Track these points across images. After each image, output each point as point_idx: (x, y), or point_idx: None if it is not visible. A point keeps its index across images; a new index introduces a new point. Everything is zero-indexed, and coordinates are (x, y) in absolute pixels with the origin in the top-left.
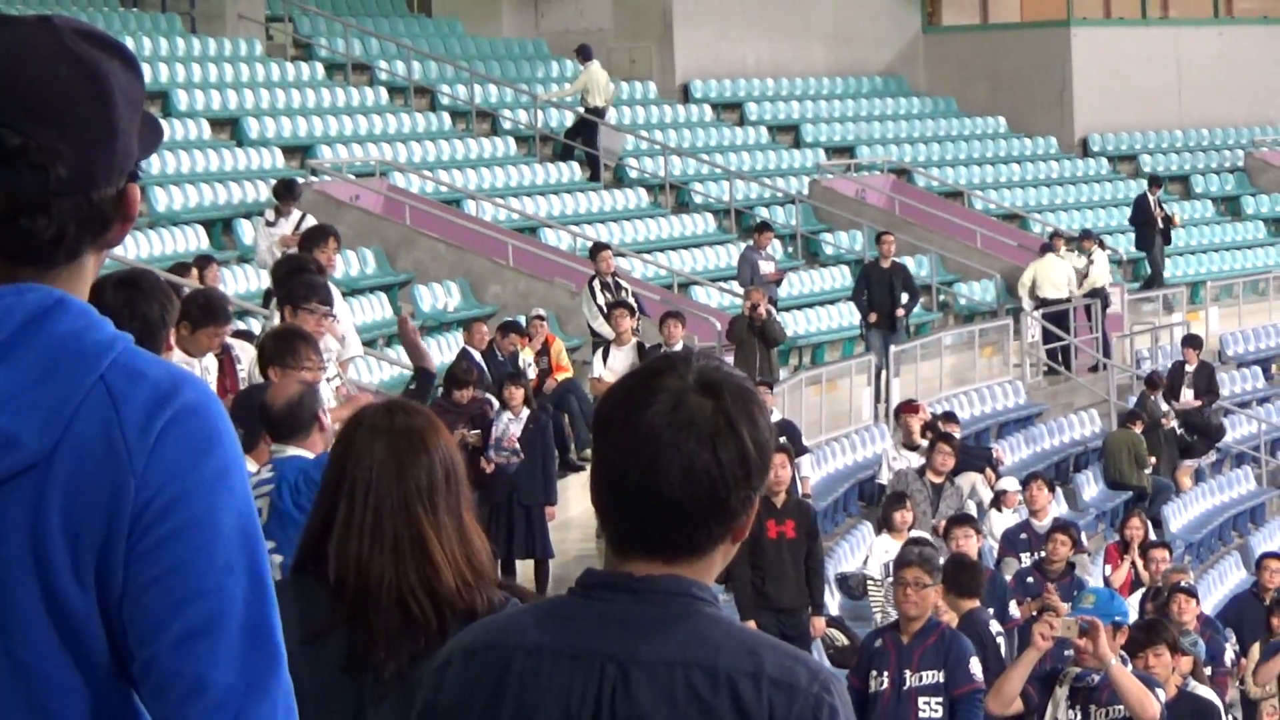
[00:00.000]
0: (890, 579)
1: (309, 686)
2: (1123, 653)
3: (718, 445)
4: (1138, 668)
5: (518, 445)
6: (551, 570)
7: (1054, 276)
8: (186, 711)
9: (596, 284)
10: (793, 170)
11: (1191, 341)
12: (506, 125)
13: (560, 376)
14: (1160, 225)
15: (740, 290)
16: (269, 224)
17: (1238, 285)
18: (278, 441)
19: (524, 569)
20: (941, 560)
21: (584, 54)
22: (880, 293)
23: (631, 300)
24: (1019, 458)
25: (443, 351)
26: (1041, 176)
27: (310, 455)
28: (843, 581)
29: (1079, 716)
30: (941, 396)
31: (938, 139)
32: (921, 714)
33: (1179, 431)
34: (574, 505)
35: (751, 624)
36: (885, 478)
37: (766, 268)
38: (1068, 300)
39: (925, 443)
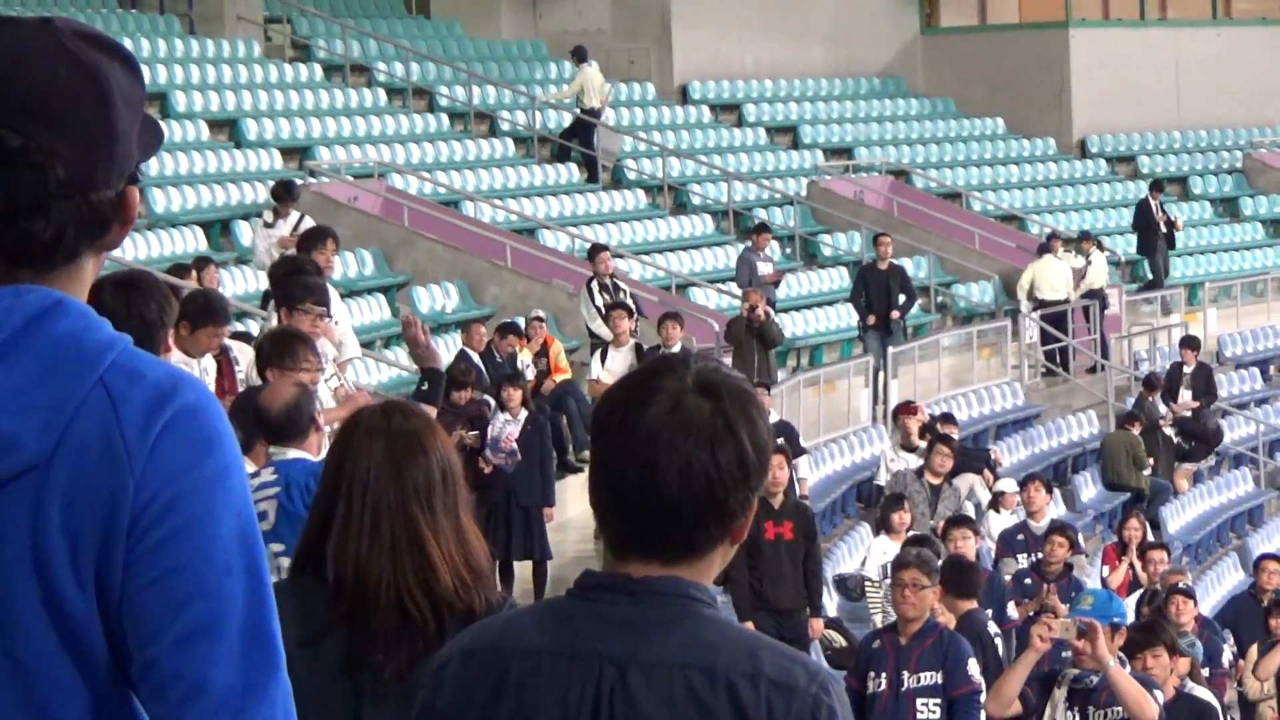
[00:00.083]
0: (888, 580)
1: (308, 687)
2: (1121, 654)
3: (716, 447)
4: (1136, 669)
5: (514, 446)
6: (550, 571)
7: (1052, 278)
8: (186, 712)
9: (595, 285)
10: (791, 171)
11: (1189, 343)
12: (505, 126)
13: (558, 378)
14: (1163, 230)
15: (738, 291)
16: (267, 225)
17: (1236, 286)
18: (276, 444)
19: (522, 570)
20: (939, 561)
21: (579, 55)
22: (878, 294)
23: (630, 302)
24: (1017, 459)
25: (441, 353)
26: (1040, 178)
27: (312, 457)
28: (841, 583)
29: (1077, 718)
30: (940, 398)
31: (936, 140)
32: (919, 715)
33: (1176, 440)
34: (572, 506)
35: (749, 625)
36: (883, 479)
37: (765, 269)
38: (1066, 302)
39: (923, 444)
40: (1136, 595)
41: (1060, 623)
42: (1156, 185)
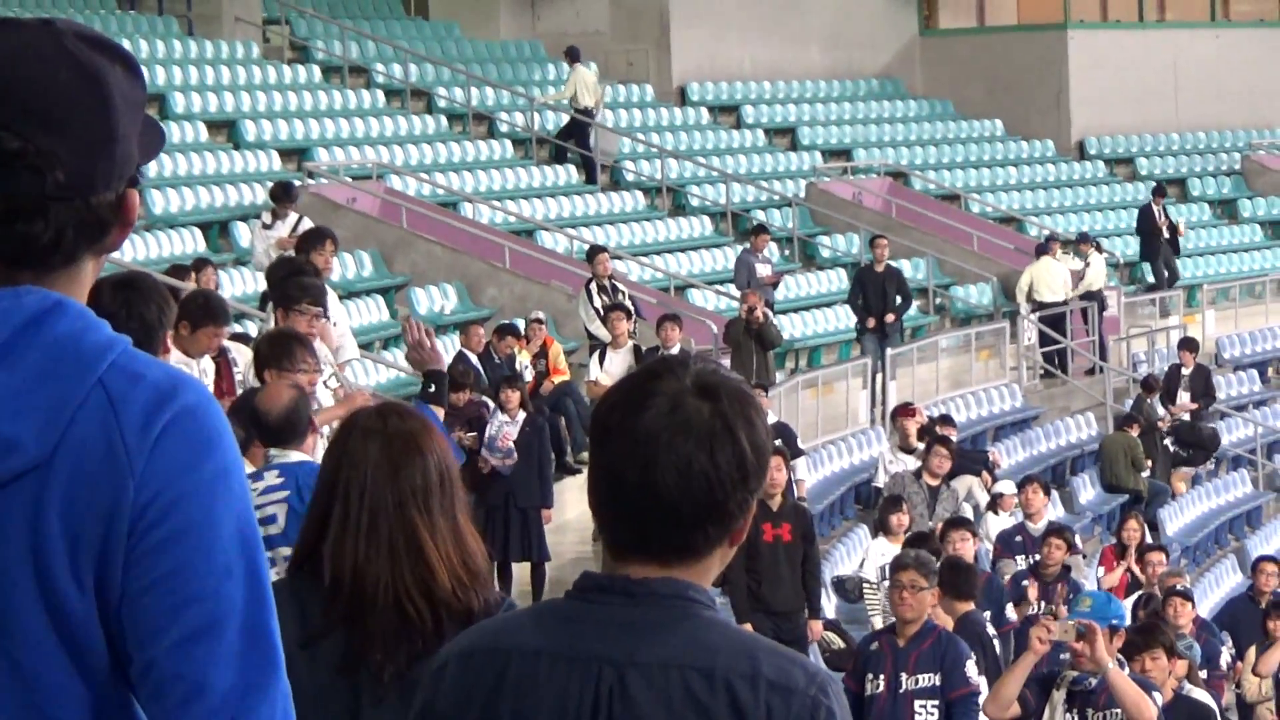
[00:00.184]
0: (886, 582)
1: (307, 688)
2: (1119, 656)
3: (715, 448)
4: (1134, 671)
5: (511, 445)
6: (548, 573)
7: (1050, 280)
8: (185, 714)
9: (593, 287)
10: (789, 173)
11: (1188, 344)
12: (503, 128)
13: (557, 379)
14: (1166, 235)
15: (737, 293)
16: (266, 226)
17: (1234, 288)
18: (275, 446)
19: (520, 571)
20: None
21: (572, 55)
22: (874, 296)
23: (628, 303)
24: (1015, 461)
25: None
26: (1038, 179)
27: (312, 458)
28: (839, 584)
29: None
30: (938, 399)
31: (934, 142)
32: (918, 717)
33: (1172, 449)
34: (570, 508)
35: (747, 627)
36: (881, 481)
37: (763, 271)
38: (1064, 303)
39: (922, 446)
40: (1133, 598)
41: (1059, 625)
42: (1159, 190)
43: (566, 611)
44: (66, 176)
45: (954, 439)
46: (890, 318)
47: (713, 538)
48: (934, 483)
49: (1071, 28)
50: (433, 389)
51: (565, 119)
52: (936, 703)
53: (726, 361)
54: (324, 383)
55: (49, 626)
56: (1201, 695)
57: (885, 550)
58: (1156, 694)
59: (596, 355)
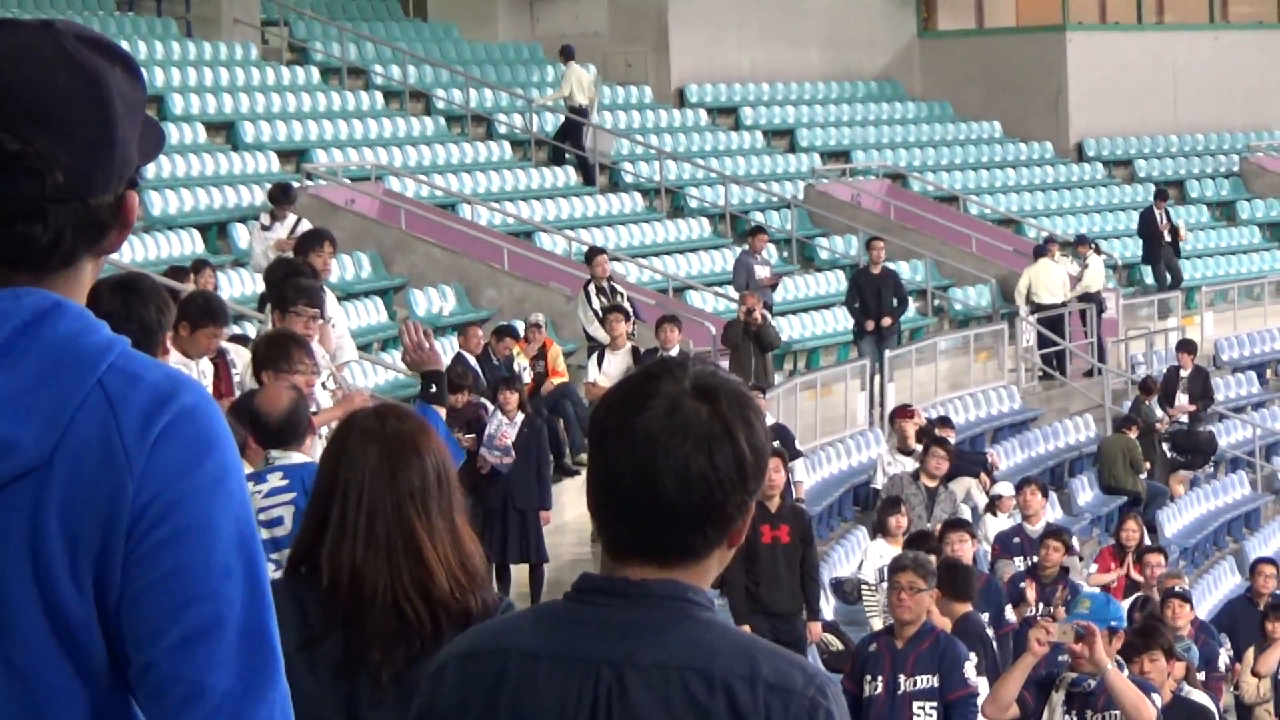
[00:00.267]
0: (885, 583)
1: (305, 690)
2: (1119, 658)
3: (714, 450)
4: (1133, 673)
5: (509, 444)
6: (546, 574)
7: (1049, 281)
8: (184, 716)
9: (592, 288)
10: (788, 175)
11: (1186, 346)
12: (502, 129)
13: (556, 381)
14: (1168, 238)
15: (735, 295)
16: (264, 228)
17: (1233, 290)
18: (277, 448)
19: (519, 573)
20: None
21: (566, 53)
22: (871, 299)
23: (627, 305)
24: (1014, 462)
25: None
26: (1037, 181)
27: (313, 459)
28: (837, 586)
29: None
30: (936, 401)
31: (933, 144)
32: (916, 718)
33: (1170, 454)
34: (569, 509)
35: (746, 628)
36: (880, 482)
37: (762, 272)
38: (1063, 305)
39: (920, 447)
40: (1129, 600)
41: (1058, 626)
42: (1161, 193)
43: (565, 613)
44: (66, 178)
45: (952, 441)
46: (887, 322)
47: (711, 539)
48: (932, 484)
49: (1070, 29)
50: (433, 389)
51: (563, 120)
52: (935, 704)
53: (725, 363)
54: (322, 384)
55: (48, 628)
56: (1200, 697)
57: (884, 552)
58: (1155, 695)
59: (595, 357)
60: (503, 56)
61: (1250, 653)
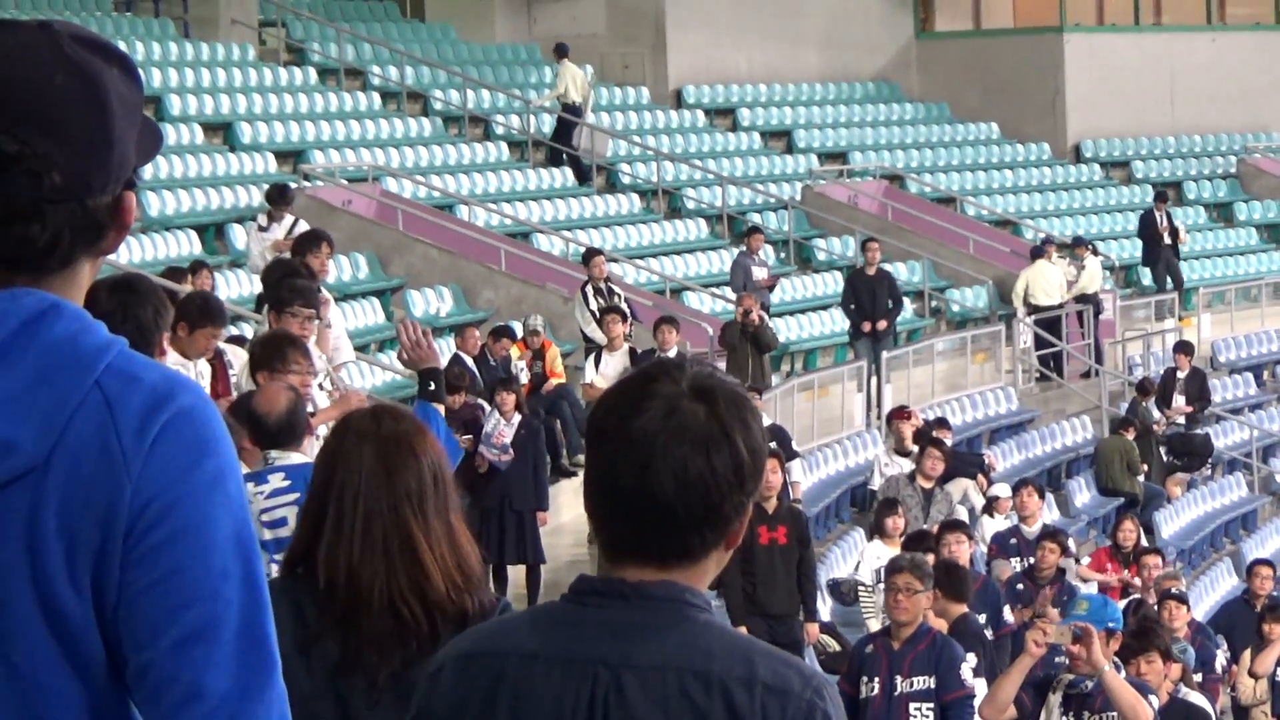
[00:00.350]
0: (882, 585)
1: (302, 691)
2: (1116, 659)
3: (711, 451)
4: (1130, 674)
5: (507, 442)
6: (543, 575)
7: (1045, 283)
8: (181, 717)
9: (589, 289)
10: (785, 176)
11: (1183, 348)
12: (499, 130)
13: (554, 382)
14: (1168, 240)
15: (732, 296)
16: (261, 229)
17: (1230, 292)
18: (276, 449)
19: (516, 574)
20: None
21: (560, 51)
22: (867, 300)
23: (624, 306)
24: (1011, 464)
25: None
26: (1034, 183)
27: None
28: (834, 587)
29: None
30: (934, 403)
31: (930, 145)
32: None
33: (1166, 458)
34: (566, 511)
35: (743, 630)
36: (877, 484)
37: (760, 273)
38: (1060, 306)
39: (917, 449)
40: (1123, 603)
41: (1055, 628)
42: (1161, 196)
43: (562, 615)
44: (63, 179)
45: (949, 442)
46: (882, 325)
47: (709, 541)
48: (928, 485)
49: (1067, 31)
50: (432, 387)
51: (557, 118)
52: (931, 705)
53: (721, 364)
54: (319, 385)
55: (46, 629)
56: (1197, 698)
57: (881, 553)
58: (1153, 697)
59: (592, 358)
60: (500, 57)
61: (1247, 654)
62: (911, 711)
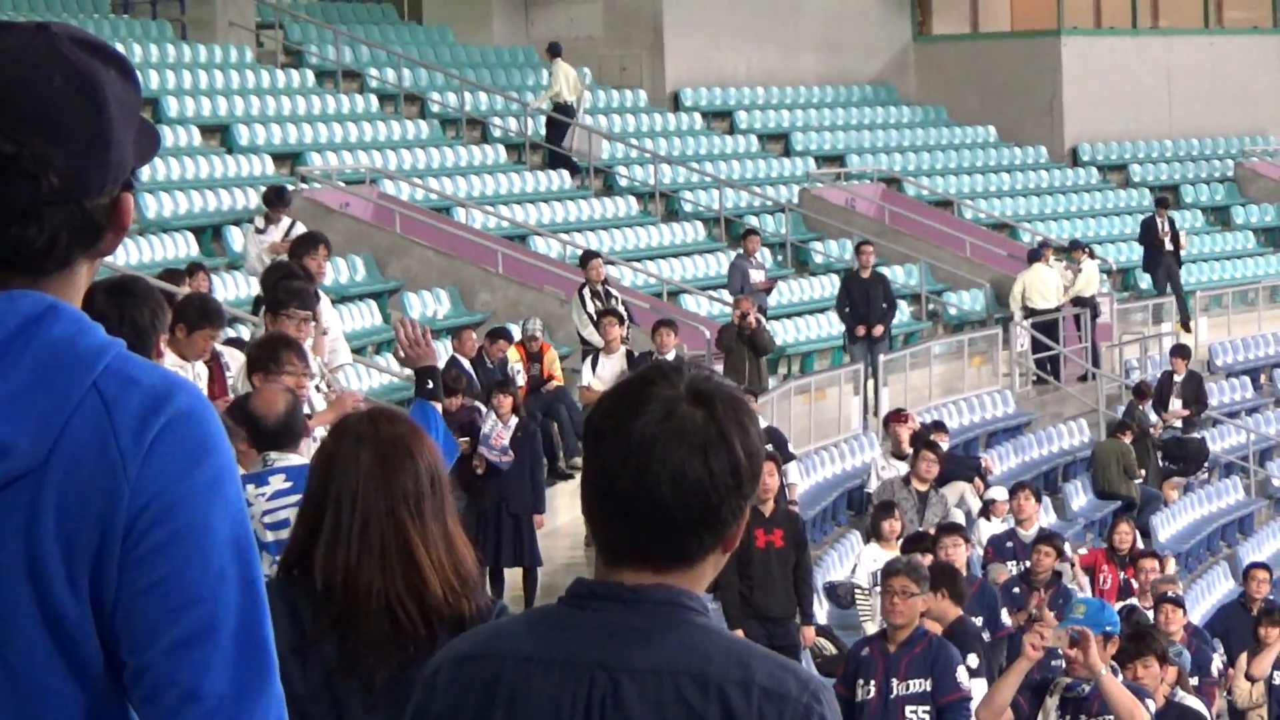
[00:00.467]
0: (879, 588)
1: (298, 694)
2: (1113, 663)
3: (709, 454)
4: (1126, 678)
5: (505, 442)
6: (540, 578)
7: (1043, 286)
8: (178, 719)
9: (586, 292)
10: (782, 179)
11: (1180, 351)
12: (496, 133)
13: (552, 384)
14: (1169, 246)
15: (730, 299)
16: (259, 231)
17: (1227, 295)
18: (275, 450)
19: (512, 577)
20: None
21: (553, 50)
22: (861, 303)
23: (621, 308)
24: (1007, 467)
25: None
26: (1031, 186)
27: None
28: (831, 590)
29: None
30: (930, 405)
31: (928, 148)
32: None
33: (1162, 463)
34: (562, 513)
35: (739, 633)
36: (874, 487)
37: (757, 276)
38: (1057, 310)
39: (912, 451)
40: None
41: (1053, 632)
42: (1162, 202)
43: (560, 617)
44: (61, 180)
45: (946, 445)
46: (879, 331)
47: (707, 544)
48: (922, 488)
49: (1065, 34)
50: (430, 385)
51: (546, 118)
52: (927, 708)
53: (718, 367)
54: (315, 387)
55: (44, 631)
56: (1193, 702)
57: (877, 556)
58: (1149, 701)
59: (589, 360)
60: (498, 60)
61: (1243, 657)
62: (907, 714)
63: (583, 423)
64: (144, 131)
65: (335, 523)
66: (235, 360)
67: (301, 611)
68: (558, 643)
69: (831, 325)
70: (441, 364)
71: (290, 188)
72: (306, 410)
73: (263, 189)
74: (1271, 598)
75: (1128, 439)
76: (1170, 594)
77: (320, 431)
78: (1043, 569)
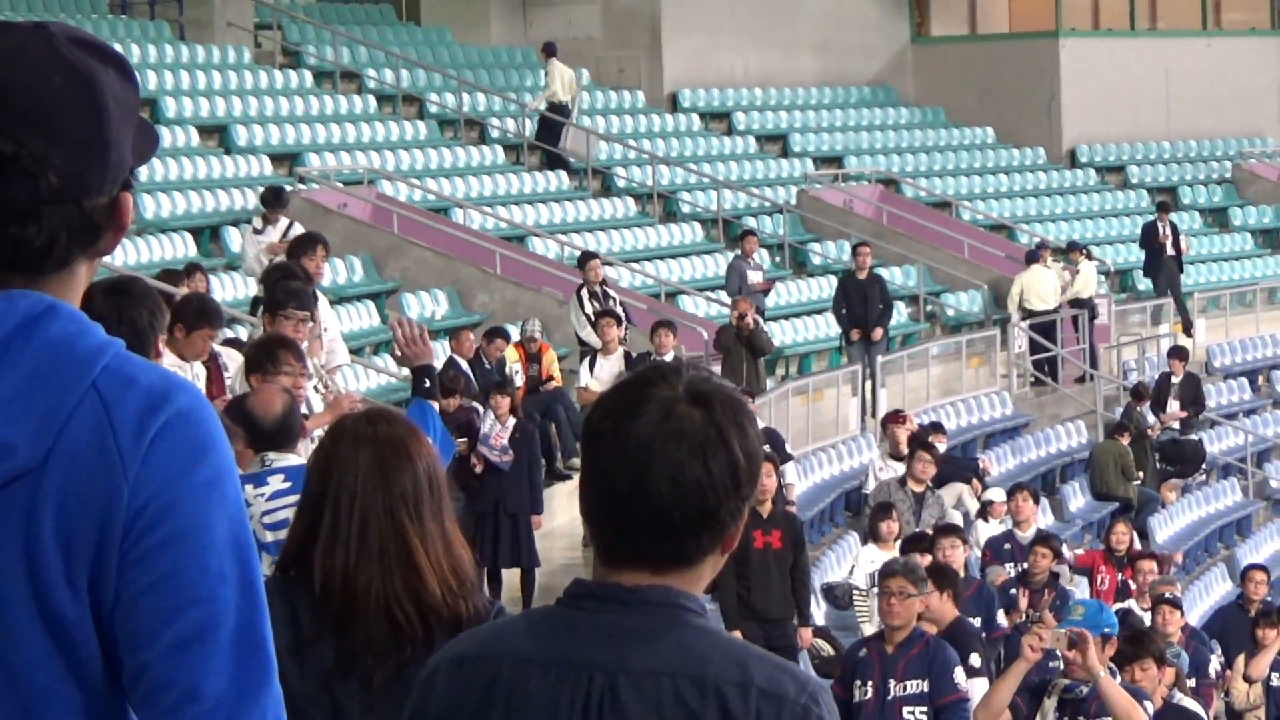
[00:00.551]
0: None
1: (296, 694)
2: (1111, 664)
3: (708, 456)
4: (1124, 680)
5: (505, 443)
6: (537, 579)
7: (1041, 287)
8: (177, 719)
9: (584, 293)
10: (780, 180)
11: (1178, 353)
12: (495, 133)
13: (550, 385)
14: (1170, 250)
15: (728, 299)
16: (256, 232)
17: (1225, 297)
18: (273, 450)
19: (510, 578)
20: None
21: (549, 50)
22: (858, 304)
23: (619, 309)
24: (1005, 468)
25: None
26: (1029, 187)
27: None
28: (829, 591)
29: None
30: (928, 407)
31: (926, 149)
32: None
33: (1159, 465)
34: (560, 514)
35: (737, 634)
36: (871, 488)
37: (755, 277)
38: (1055, 311)
39: (909, 452)
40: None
41: (1051, 633)
42: (1163, 206)
43: (558, 618)
44: (59, 180)
45: (944, 446)
46: (877, 334)
47: (705, 546)
48: (919, 489)
49: (1063, 36)
50: (426, 384)
51: (539, 118)
52: (925, 709)
53: (716, 368)
54: (313, 387)
55: (43, 631)
56: (1190, 703)
57: (875, 557)
58: (1148, 703)
59: (586, 361)
60: (495, 60)
61: (1241, 659)
62: (905, 715)
63: (581, 424)
64: (143, 131)
65: (333, 523)
66: (233, 361)
67: (300, 612)
68: (556, 644)
69: (829, 326)
70: (439, 365)
71: (288, 188)
72: (304, 411)
73: (261, 189)
74: (1269, 599)
75: (1125, 440)
76: (1168, 595)
77: (318, 432)
78: (1040, 570)
